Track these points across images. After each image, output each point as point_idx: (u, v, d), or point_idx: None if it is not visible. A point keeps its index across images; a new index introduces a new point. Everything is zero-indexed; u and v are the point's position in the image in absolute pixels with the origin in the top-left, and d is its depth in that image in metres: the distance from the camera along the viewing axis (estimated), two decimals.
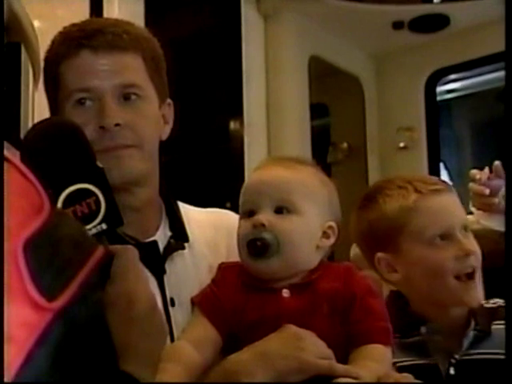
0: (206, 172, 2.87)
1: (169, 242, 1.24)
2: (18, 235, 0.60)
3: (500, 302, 1.40)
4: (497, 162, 1.64)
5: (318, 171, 1.20)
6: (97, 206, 0.96)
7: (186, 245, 1.26)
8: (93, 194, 0.96)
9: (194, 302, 1.15)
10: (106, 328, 0.72)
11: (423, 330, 1.32)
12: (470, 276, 1.32)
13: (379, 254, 1.35)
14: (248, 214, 1.14)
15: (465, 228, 1.36)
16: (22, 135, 1.70)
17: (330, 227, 1.16)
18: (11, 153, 0.67)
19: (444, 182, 1.48)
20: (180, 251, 1.25)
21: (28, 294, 0.57)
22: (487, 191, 1.58)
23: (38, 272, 0.59)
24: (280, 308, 1.10)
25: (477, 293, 1.33)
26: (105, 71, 1.18)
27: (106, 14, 2.29)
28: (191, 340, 1.08)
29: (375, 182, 1.52)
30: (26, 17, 1.35)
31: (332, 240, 1.16)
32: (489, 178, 1.66)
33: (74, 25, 1.24)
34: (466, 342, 1.31)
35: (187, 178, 2.68)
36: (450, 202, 1.38)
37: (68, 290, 0.60)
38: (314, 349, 1.04)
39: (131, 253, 1.00)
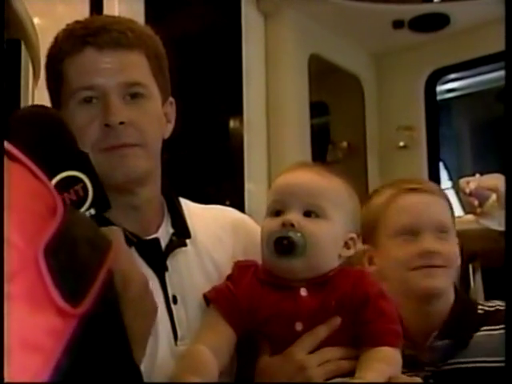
0: (205, 170, 2.87)
1: (171, 240, 1.24)
2: (39, 241, 0.57)
3: (499, 304, 1.39)
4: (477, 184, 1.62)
5: (346, 182, 1.22)
6: (84, 192, 0.95)
7: (188, 241, 1.25)
8: (79, 180, 0.95)
9: (208, 298, 1.16)
10: (122, 324, 0.70)
11: None
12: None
13: (364, 246, 1.38)
14: (275, 213, 1.17)
15: (441, 230, 1.38)
16: None
17: (352, 238, 1.19)
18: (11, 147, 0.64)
19: (435, 184, 1.49)
20: (183, 248, 1.24)
21: (54, 301, 0.55)
22: (476, 202, 1.59)
23: (60, 278, 0.57)
24: (297, 306, 1.12)
25: (436, 279, 1.35)
26: (109, 69, 1.18)
27: (106, 12, 2.28)
28: (210, 345, 1.11)
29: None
30: (25, 14, 1.35)
31: (352, 251, 1.19)
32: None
33: (77, 22, 1.23)
34: (436, 353, 1.33)
35: (187, 176, 2.68)
36: (422, 202, 1.41)
37: (90, 293, 0.59)
38: (319, 373, 1.10)
39: (118, 233, 1.00)
